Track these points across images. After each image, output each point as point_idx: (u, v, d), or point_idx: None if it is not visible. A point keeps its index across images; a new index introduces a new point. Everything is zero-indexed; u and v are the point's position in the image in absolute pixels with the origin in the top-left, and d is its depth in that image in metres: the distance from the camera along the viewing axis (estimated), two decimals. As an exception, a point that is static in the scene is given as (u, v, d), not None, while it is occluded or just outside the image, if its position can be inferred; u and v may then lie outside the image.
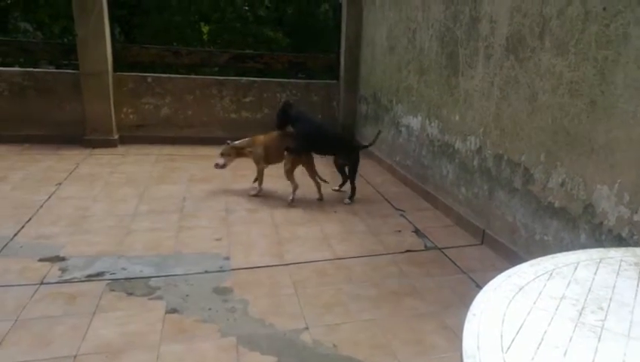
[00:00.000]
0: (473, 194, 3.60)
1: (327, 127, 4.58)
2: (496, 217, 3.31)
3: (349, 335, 2.29)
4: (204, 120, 6.16)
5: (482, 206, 3.48)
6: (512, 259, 2.94)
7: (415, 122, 4.64)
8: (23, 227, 3.30)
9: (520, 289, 1.29)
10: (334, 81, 6.65)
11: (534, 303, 1.21)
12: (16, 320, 2.25)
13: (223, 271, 2.87)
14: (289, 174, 4.12)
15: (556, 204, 2.72)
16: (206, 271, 2.85)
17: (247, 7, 11.25)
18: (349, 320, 2.42)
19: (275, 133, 4.30)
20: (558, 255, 1.50)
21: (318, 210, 3.98)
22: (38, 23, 11.24)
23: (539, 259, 1.46)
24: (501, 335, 1.07)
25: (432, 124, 4.26)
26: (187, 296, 2.57)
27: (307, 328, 2.32)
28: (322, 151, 4.39)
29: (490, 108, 3.33)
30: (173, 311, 2.42)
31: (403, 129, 4.96)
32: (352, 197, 4.28)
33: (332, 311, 2.49)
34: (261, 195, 4.28)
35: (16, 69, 6.63)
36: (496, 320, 1.13)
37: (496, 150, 3.29)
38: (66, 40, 9.30)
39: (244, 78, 6.41)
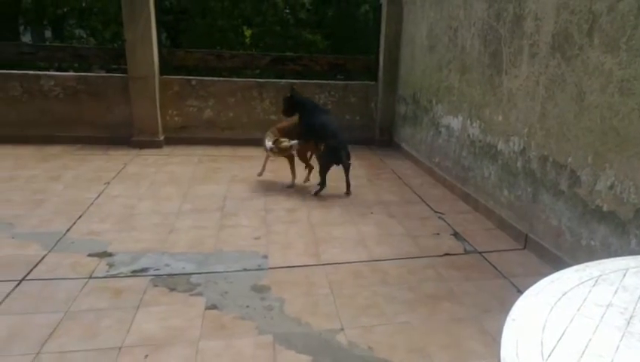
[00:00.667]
0: (516, 197, 3.49)
1: (330, 116, 4.47)
2: (540, 221, 3.19)
3: (384, 337, 2.28)
4: (244, 121, 6.29)
5: (525, 209, 3.36)
6: (557, 264, 2.82)
7: (456, 123, 4.55)
8: (74, 223, 3.48)
9: (563, 295, 1.24)
10: (373, 82, 6.62)
11: (578, 310, 1.17)
12: (66, 312, 2.37)
13: (261, 269, 2.92)
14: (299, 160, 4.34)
15: (604, 208, 2.60)
16: (245, 269, 2.91)
17: (288, 11, 11.39)
18: (385, 323, 2.40)
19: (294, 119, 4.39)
20: (605, 260, 1.43)
21: (355, 211, 3.97)
22: (91, 30, 11.84)
23: (584, 265, 1.40)
24: (541, 343, 1.03)
25: (474, 125, 4.16)
26: (226, 293, 2.63)
27: (342, 329, 2.33)
28: (320, 139, 4.25)
29: (535, 108, 3.22)
30: (213, 307, 2.48)
31: (443, 130, 4.87)
32: (346, 190, 4.36)
33: (368, 312, 2.48)
34: (299, 193, 4.31)
35: (70, 73, 7.02)
36: (536, 326, 1.10)
37: (541, 151, 3.18)
38: (116, 45, 9.74)
39: (284, 80, 6.49)
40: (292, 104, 4.37)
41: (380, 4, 6.40)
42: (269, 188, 4.51)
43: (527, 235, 3.32)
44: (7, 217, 3.51)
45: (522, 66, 3.36)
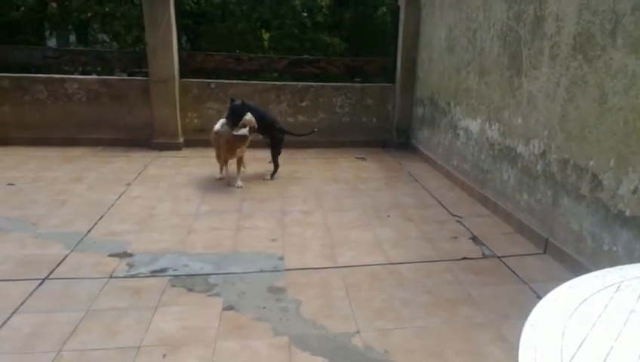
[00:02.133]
0: (536, 201, 3.44)
1: (267, 112, 5.01)
2: (560, 225, 3.14)
3: (401, 341, 2.27)
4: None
5: (545, 213, 3.31)
6: (577, 269, 2.77)
7: (474, 125, 4.50)
8: (95, 224, 3.55)
9: (583, 301, 1.21)
10: (390, 84, 6.59)
11: (599, 317, 1.14)
12: (87, 311, 2.42)
13: (278, 271, 2.94)
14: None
15: (627, 213, 2.54)
16: (261, 271, 2.93)
17: (305, 14, 11.44)
18: (401, 326, 2.39)
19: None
20: (628, 266, 1.40)
21: (371, 214, 3.96)
22: (114, 34, 12.09)
23: (605, 271, 1.37)
24: (561, 350, 1.01)
25: (493, 127, 4.11)
26: (243, 293, 2.65)
27: (358, 332, 2.32)
28: (268, 129, 4.79)
29: (556, 111, 3.17)
30: (230, 308, 2.50)
31: (461, 132, 4.82)
32: (273, 174, 4.81)
33: (384, 316, 2.47)
34: (315, 197, 4.32)
35: (93, 77, 7.17)
36: (556, 332, 1.07)
37: (561, 154, 3.12)
38: (137, 49, 9.91)
39: (301, 83, 6.52)
40: (242, 111, 4.47)
41: (398, 7, 6.38)
42: (286, 190, 4.53)
43: (547, 240, 3.26)
44: (31, 217, 3.60)
45: (542, 68, 3.31)
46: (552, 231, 3.23)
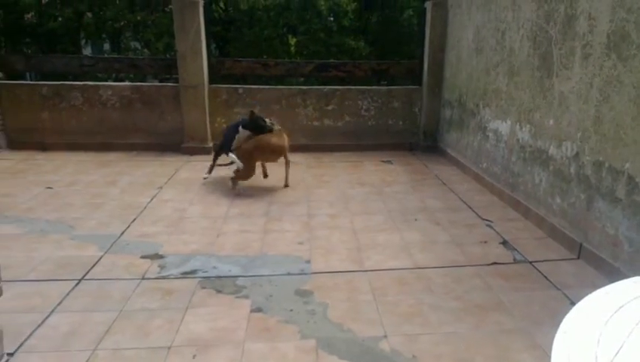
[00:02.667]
0: (569, 205, 3.34)
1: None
2: (595, 229, 3.04)
3: (429, 347, 2.24)
4: (288, 127, 6.36)
5: (579, 217, 3.21)
6: (613, 275, 2.68)
7: (504, 127, 4.41)
8: (128, 226, 3.66)
9: (620, 308, 1.17)
10: (417, 87, 6.54)
11: (637, 324, 1.11)
12: (120, 311, 2.50)
13: (304, 274, 2.95)
14: None
15: (668, 217, 2.44)
16: (288, 273, 2.95)
17: (332, 18, 11.48)
18: (430, 332, 2.36)
19: None
20: (666, 273, 1.35)
21: (398, 218, 3.93)
22: (145, 42, 12.43)
23: (643, 276, 1.33)
24: (596, 357, 0.99)
25: (523, 129, 4.02)
26: (271, 296, 2.68)
27: (386, 336, 2.31)
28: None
29: (589, 112, 3.08)
30: (258, 310, 2.53)
31: (490, 134, 4.74)
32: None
33: (411, 320, 2.45)
34: (341, 200, 4.32)
35: (126, 83, 7.40)
36: (590, 340, 1.04)
37: (595, 156, 3.03)
38: (168, 56, 10.17)
39: (327, 87, 6.54)
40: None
41: (425, 9, 6.33)
42: (312, 194, 4.55)
43: (581, 244, 3.16)
44: (68, 220, 3.74)
45: (574, 68, 3.23)
46: (586, 235, 3.14)
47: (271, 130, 4.48)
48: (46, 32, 11.32)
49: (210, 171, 4.90)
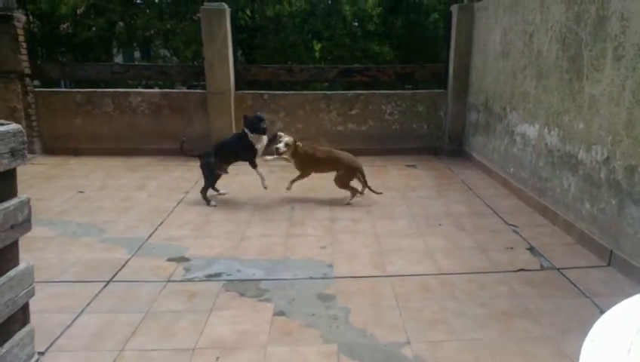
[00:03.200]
0: (599, 210, 3.24)
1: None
2: (627, 236, 2.94)
3: (453, 354, 2.21)
4: (312, 132, 6.41)
5: (610, 223, 3.11)
6: (648, 284, 2.58)
7: (532, 131, 4.32)
8: (155, 230, 3.75)
9: (652, 317, 1.13)
10: (442, 90, 6.48)
11: (670, 334, 1.06)
12: (147, 313, 2.56)
13: (327, 278, 2.96)
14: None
15: None
16: (311, 278, 2.96)
17: (356, 23, 11.50)
18: (454, 339, 2.33)
19: None
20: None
21: (422, 223, 3.89)
22: (174, 49, 12.75)
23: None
24: (626, 366, 0.96)
25: (552, 133, 3.93)
26: (293, 300, 2.69)
27: (408, 342, 2.29)
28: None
29: (621, 115, 2.99)
30: (280, 313, 2.55)
31: (518, 138, 4.64)
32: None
33: (435, 327, 2.42)
34: (363, 204, 4.31)
35: (155, 90, 7.61)
36: (620, 349, 1.01)
37: (627, 161, 2.93)
38: (196, 63, 10.40)
39: (351, 92, 6.56)
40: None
41: (450, 12, 6.28)
42: (335, 199, 4.56)
43: (611, 251, 3.06)
44: (98, 223, 3.86)
45: (605, 70, 3.14)
46: (617, 242, 3.04)
47: (264, 132, 4.44)
48: (80, 42, 11.75)
49: (217, 192, 4.64)
